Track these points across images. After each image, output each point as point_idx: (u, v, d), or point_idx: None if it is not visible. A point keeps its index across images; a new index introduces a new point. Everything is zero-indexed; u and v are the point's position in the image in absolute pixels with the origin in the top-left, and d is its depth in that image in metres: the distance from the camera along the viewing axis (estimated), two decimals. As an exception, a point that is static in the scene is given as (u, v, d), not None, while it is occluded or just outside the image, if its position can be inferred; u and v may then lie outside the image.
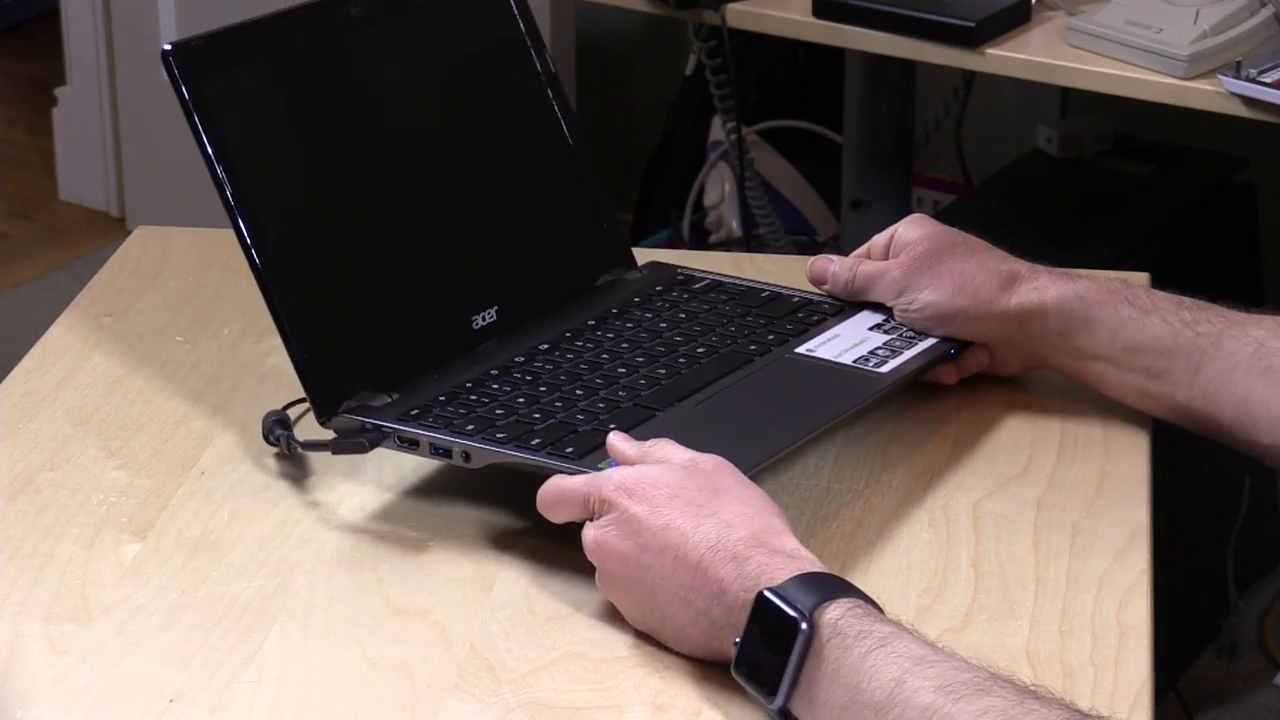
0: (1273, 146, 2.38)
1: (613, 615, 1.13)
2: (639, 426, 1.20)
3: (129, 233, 1.86)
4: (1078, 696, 1.03)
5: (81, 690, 1.07)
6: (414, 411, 1.21)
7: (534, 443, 1.18)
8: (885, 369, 1.29)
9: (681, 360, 1.28)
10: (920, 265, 1.31)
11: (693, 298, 1.36)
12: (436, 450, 1.19)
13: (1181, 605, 1.46)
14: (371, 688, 1.07)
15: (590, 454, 1.17)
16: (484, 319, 1.29)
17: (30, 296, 3.37)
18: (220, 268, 1.55)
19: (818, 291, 1.39)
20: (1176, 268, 2.33)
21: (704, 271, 1.41)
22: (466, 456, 1.18)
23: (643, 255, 1.62)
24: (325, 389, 1.20)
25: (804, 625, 1.00)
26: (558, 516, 1.14)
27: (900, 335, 1.32)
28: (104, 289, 1.52)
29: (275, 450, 1.27)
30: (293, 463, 1.28)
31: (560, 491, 1.13)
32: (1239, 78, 1.91)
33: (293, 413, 1.29)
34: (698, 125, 2.95)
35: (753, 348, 1.30)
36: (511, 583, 1.16)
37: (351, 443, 1.19)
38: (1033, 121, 2.60)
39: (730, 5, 2.17)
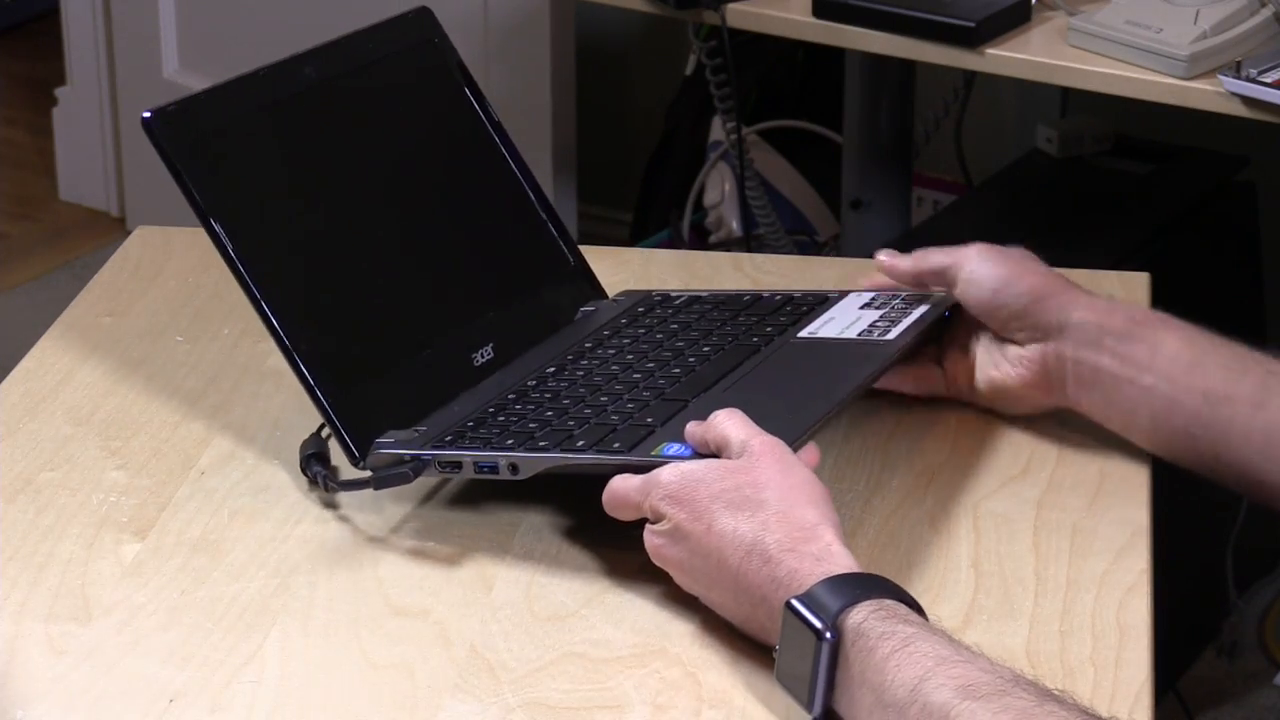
0: (1273, 146, 2.38)
1: (613, 615, 1.13)
2: (674, 418, 1.20)
3: (129, 233, 1.86)
4: (1077, 697, 1.03)
5: (81, 690, 1.08)
6: (448, 438, 1.21)
7: (579, 444, 1.18)
8: (891, 336, 1.29)
9: (692, 360, 1.29)
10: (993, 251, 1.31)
11: (678, 312, 1.37)
12: (481, 468, 1.19)
13: (1181, 605, 1.46)
14: (371, 688, 1.07)
15: (638, 446, 1.17)
16: (483, 356, 1.30)
17: (30, 296, 3.37)
18: (220, 268, 1.54)
19: (795, 290, 1.38)
20: (1176, 268, 2.33)
21: (679, 290, 1.41)
22: (514, 468, 1.18)
23: (643, 255, 1.62)
24: (356, 432, 1.21)
25: (828, 635, 1.01)
26: (623, 516, 1.15)
27: (892, 308, 1.33)
28: (104, 289, 1.52)
29: (282, 461, 1.27)
30: (293, 463, 1.28)
31: (618, 496, 1.15)
32: (1239, 78, 1.91)
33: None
34: (698, 125, 2.95)
35: (755, 340, 1.31)
36: (511, 583, 1.16)
37: (394, 474, 1.19)
38: (1033, 121, 2.60)
39: (730, 5, 2.17)
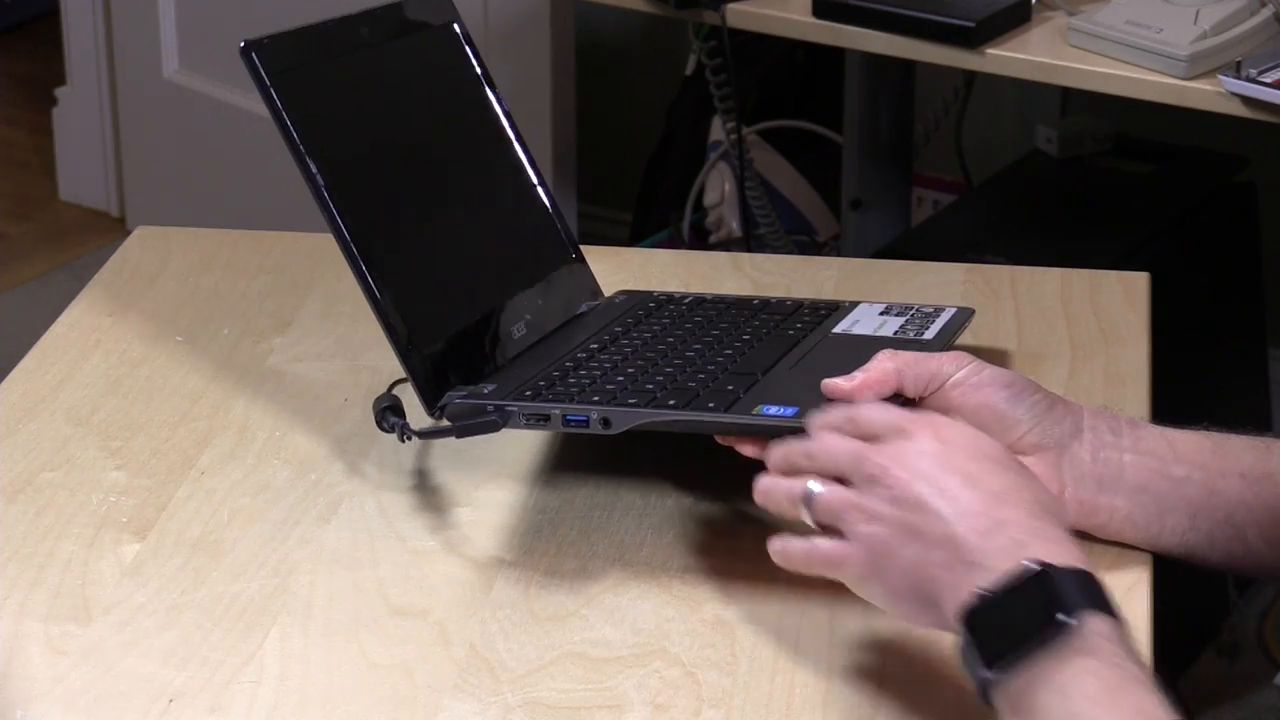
0: (1273, 146, 2.38)
1: (613, 615, 1.13)
2: (754, 387, 1.18)
3: (129, 233, 1.86)
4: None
5: (81, 690, 1.08)
6: (527, 393, 1.20)
7: (670, 403, 1.16)
8: (929, 336, 1.28)
9: (738, 344, 1.27)
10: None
11: (691, 309, 1.36)
12: (570, 420, 1.17)
13: (1181, 605, 1.45)
14: (371, 688, 1.07)
15: (732, 408, 1.15)
16: (519, 330, 1.29)
17: (30, 296, 3.37)
18: (220, 268, 1.55)
19: (804, 297, 1.37)
20: (1176, 268, 2.34)
21: (680, 292, 1.40)
22: (606, 422, 1.16)
23: (643, 255, 1.62)
24: (429, 384, 1.20)
25: (1071, 620, 0.94)
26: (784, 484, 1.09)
27: (913, 316, 1.31)
28: (104, 289, 1.52)
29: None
30: (293, 463, 1.28)
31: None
32: (1239, 78, 1.91)
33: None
34: (698, 125, 2.95)
35: (791, 333, 1.30)
36: (511, 583, 1.16)
37: (481, 423, 1.17)
38: (1033, 121, 2.60)
39: (730, 5, 2.17)
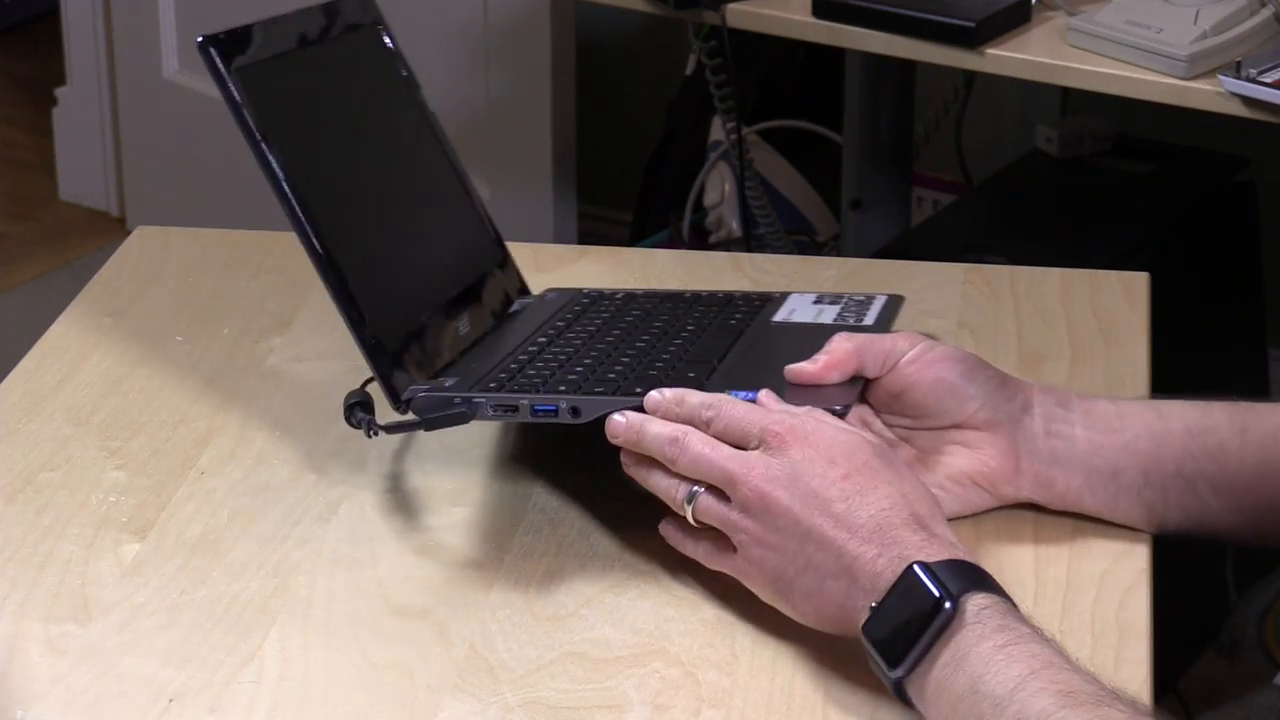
0: (1273, 146, 2.38)
1: (613, 615, 1.13)
2: (713, 375, 1.20)
3: (129, 233, 1.86)
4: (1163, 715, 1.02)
5: (81, 690, 1.07)
6: (491, 384, 1.20)
7: (636, 390, 1.17)
8: (868, 321, 1.29)
9: (685, 334, 1.28)
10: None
11: (625, 303, 1.36)
12: (538, 411, 1.17)
13: (1181, 605, 1.46)
14: (371, 688, 1.07)
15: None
16: (463, 326, 1.30)
17: (30, 296, 3.37)
18: (220, 268, 1.55)
19: (735, 291, 1.38)
20: (1176, 268, 2.34)
21: (610, 288, 1.40)
22: (575, 411, 1.16)
23: (643, 255, 1.62)
24: (393, 375, 1.20)
25: (947, 604, 1.00)
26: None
27: (847, 304, 1.33)
28: (104, 289, 1.52)
29: (270, 453, 1.27)
30: (293, 463, 1.28)
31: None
32: (1239, 78, 1.91)
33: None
34: (698, 125, 2.95)
35: (733, 323, 1.30)
36: (511, 583, 1.16)
37: (450, 415, 1.18)
38: (1033, 121, 2.60)
39: (730, 5, 2.17)
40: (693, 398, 1.14)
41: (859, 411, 1.20)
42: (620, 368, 1.22)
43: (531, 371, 1.22)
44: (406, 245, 1.30)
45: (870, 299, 1.33)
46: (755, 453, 1.10)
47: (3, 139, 3.93)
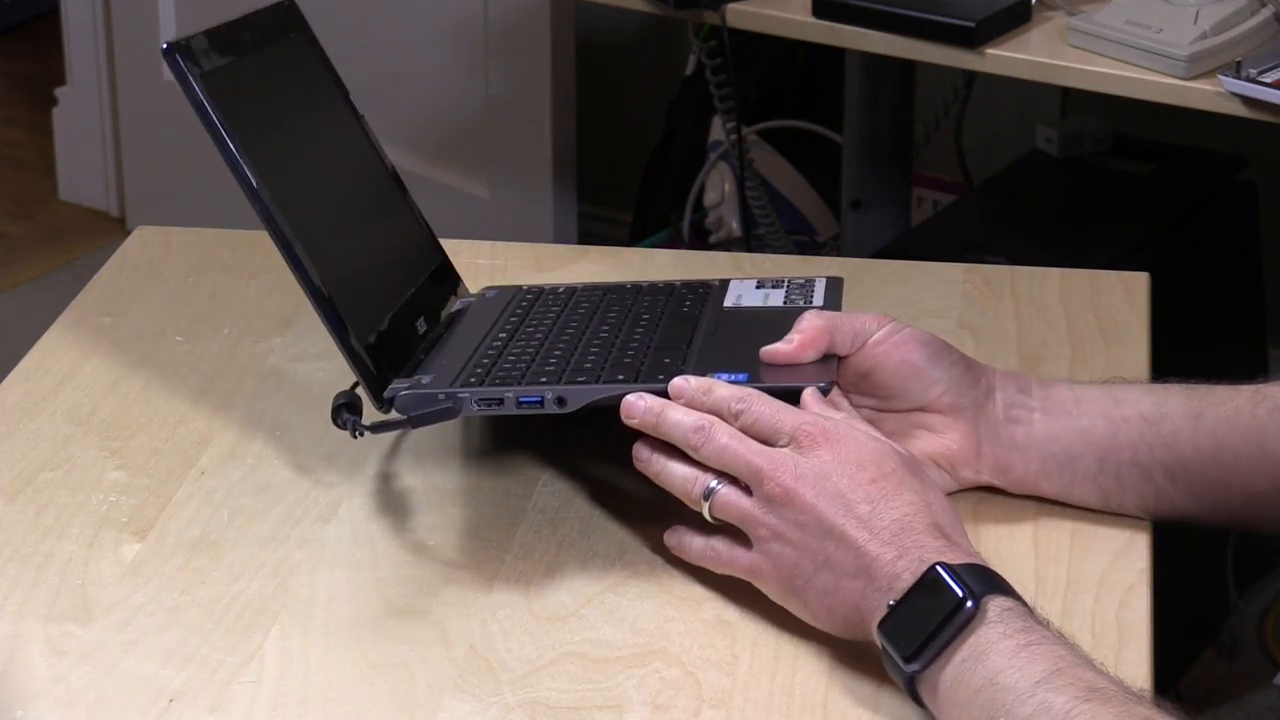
0: (1273, 146, 2.38)
1: (613, 615, 1.13)
2: (687, 361, 1.20)
3: (129, 233, 1.86)
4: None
5: (81, 690, 1.07)
6: (471, 379, 1.20)
7: (619, 378, 1.17)
8: (817, 302, 1.29)
9: (644, 323, 1.27)
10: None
11: (571, 297, 1.35)
12: (524, 403, 1.17)
13: (1181, 605, 1.46)
14: (371, 688, 1.07)
15: (679, 378, 1.16)
16: (421, 325, 1.30)
17: (30, 296, 3.37)
18: (220, 268, 1.55)
19: (675, 280, 1.37)
20: (1176, 268, 2.34)
21: (549, 284, 1.39)
22: (561, 401, 1.17)
23: (643, 255, 1.62)
24: (374, 376, 1.20)
25: (969, 603, 1.00)
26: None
27: (789, 287, 1.33)
28: (104, 289, 1.52)
29: (276, 449, 1.27)
30: (293, 463, 1.28)
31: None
32: (1239, 78, 1.91)
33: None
34: (698, 125, 2.95)
35: (685, 310, 1.30)
36: (511, 583, 1.16)
37: (437, 411, 1.18)
38: (1033, 121, 2.60)
39: (730, 5, 2.17)
40: (721, 389, 1.14)
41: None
42: (594, 356, 1.21)
43: (506, 365, 1.22)
44: (367, 246, 1.31)
45: (811, 281, 1.33)
46: (784, 450, 1.10)
47: (3, 139, 3.93)
